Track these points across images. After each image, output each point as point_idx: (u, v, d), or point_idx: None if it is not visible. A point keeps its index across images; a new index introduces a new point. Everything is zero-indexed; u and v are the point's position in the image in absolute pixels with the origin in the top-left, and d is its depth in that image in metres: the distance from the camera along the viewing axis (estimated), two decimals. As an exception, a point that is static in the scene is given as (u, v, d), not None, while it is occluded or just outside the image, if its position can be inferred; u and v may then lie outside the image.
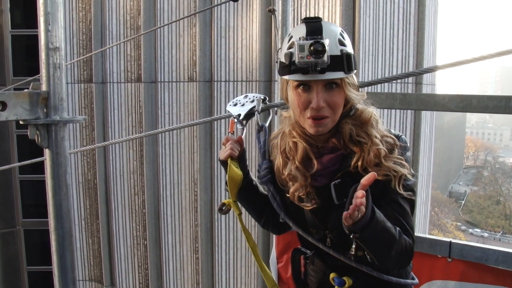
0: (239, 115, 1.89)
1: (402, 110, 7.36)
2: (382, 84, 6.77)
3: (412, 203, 1.54)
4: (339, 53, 1.44)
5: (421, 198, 8.05)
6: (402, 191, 1.49)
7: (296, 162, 1.59)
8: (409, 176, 1.51)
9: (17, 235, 11.71)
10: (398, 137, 1.56)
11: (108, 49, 8.40)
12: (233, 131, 1.89)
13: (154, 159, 8.46)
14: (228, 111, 1.98)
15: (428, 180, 8.69)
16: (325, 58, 1.40)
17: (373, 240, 1.40)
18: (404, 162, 1.51)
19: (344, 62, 1.43)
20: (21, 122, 1.39)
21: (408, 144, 1.58)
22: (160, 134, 8.18)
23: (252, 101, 1.90)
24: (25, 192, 11.60)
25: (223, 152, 1.81)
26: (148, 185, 8.54)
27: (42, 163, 9.86)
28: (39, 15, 1.40)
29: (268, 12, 2.65)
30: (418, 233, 2.78)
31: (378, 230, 1.38)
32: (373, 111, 1.57)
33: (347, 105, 1.55)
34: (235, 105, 1.96)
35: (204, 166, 8.03)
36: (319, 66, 1.41)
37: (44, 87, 1.41)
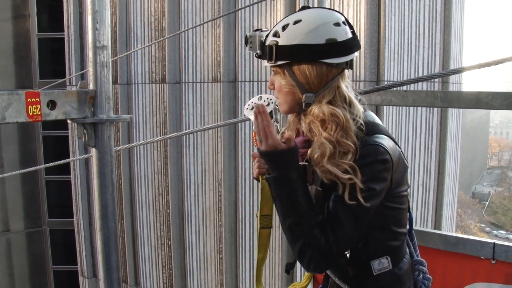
0: None
1: (429, 109, 7.26)
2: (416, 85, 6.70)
3: (356, 215, 1.47)
4: (268, 44, 1.59)
5: (447, 199, 7.92)
6: (347, 199, 1.44)
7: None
8: (360, 186, 1.43)
9: (43, 235, 11.89)
10: (371, 145, 1.49)
11: (133, 52, 8.46)
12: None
13: (178, 159, 8.49)
14: (245, 115, 2.01)
15: (455, 180, 8.55)
16: (254, 48, 1.66)
17: (274, 195, 1.53)
18: (353, 169, 1.43)
19: (267, 52, 1.58)
20: (69, 122, 1.39)
21: (388, 157, 1.48)
22: (184, 135, 8.21)
23: (268, 105, 1.93)
24: (50, 192, 11.77)
25: (254, 169, 1.81)
26: (172, 186, 8.57)
27: (67, 164, 10.02)
28: (86, 13, 1.40)
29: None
30: (448, 232, 2.72)
31: (281, 188, 1.50)
32: (328, 111, 1.52)
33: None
34: (252, 108, 1.98)
35: (228, 166, 8.03)
36: (256, 54, 1.66)
37: (91, 86, 1.41)
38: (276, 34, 1.59)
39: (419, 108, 7.20)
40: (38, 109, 1.26)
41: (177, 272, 8.80)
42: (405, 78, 7.17)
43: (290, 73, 1.58)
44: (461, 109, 9.11)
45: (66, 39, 9.56)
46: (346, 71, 1.62)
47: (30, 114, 1.24)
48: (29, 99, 1.23)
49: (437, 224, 7.66)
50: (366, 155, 1.47)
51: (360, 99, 1.67)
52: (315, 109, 1.55)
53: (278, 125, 1.95)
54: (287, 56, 1.57)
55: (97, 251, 1.51)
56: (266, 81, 7.70)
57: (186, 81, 8.26)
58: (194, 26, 7.88)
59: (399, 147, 1.60)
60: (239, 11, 7.65)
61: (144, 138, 8.65)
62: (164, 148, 8.59)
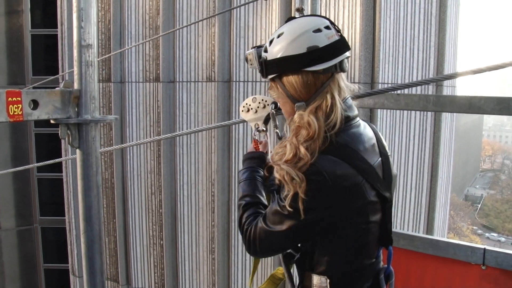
0: (263, 129, 2.09)
1: (423, 112, 7.26)
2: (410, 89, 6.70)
3: (281, 218, 1.55)
4: (260, 60, 1.69)
5: (440, 201, 7.92)
6: (279, 199, 1.56)
7: None
8: (301, 196, 1.48)
9: (34, 233, 11.81)
10: (311, 163, 1.50)
11: (127, 49, 8.41)
12: (259, 148, 2.03)
13: (171, 159, 8.45)
14: (241, 117, 2.08)
15: (448, 183, 8.56)
16: (254, 65, 1.79)
17: (241, 179, 1.88)
18: (301, 179, 1.48)
19: (260, 68, 1.69)
20: (52, 122, 1.36)
21: (320, 178, 1.49)
22: (178, 136, 8.18)
23: (264, 107, 2.02)
24: (42, 190, 11.70)
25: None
26: (165, 185, 8.53)
27: (59, 162, 9.95)
28: (72, 11, 1.36)
29: (297, 12, 2.61)
30: (438, 237, 2.71)
31: (248, 174, 1.87)
32: (305, 119, 1.55)
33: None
34: (248, 111, 2.08)
35: (221, 166, 8.00)
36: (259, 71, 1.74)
37: (76, 85, 1.38)
38: (266, 50, 1.66)
39: (412, 111, 7.21)
40: (19, 109, 1.22)
41: (169, 272, 8.76)
42: (399, 81, 7.16)
43: (281, 86, 1.64)
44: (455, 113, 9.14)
45: (59, 35, 9.48)
46: (338, 74, 1.61)
47: (11, 113, 1.21)
48: (9, 99, 1.20)
49: (429, 227, 7.66)
50: (307, 171, 1.49)
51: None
52: (295, 116, 1.59)
53: (278, 130, 1.97)
54: (274, 70, 1.63)
55: (82, 254, 1.48)
56: (260, 81, 7.68)
57: (180, 80, 8.22)
58: (188, 24, 7.84)
59: (367, 179, 1.56)
60: (234, 10, 7.62)
61: (137, 137, 8.60)
62: (157, 147, 8.55)
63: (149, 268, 9.04)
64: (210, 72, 8.01)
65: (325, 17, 1.65)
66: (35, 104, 1.28)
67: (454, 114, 8.97)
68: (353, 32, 6.87)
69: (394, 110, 7.07)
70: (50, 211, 11.77)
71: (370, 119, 6.89)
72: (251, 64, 1.78)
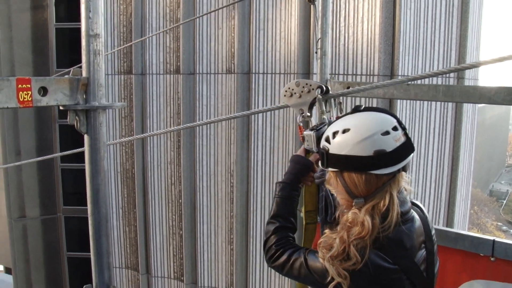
0: (308, 115, 2.00)
1: (443, 105, 7.16)
2: (423, 79, 6.61)
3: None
4: (320, 150, 1.68)
5: (461, 195, 7.83)
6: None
7: None
8: None
9: (58, 222, 12.05)
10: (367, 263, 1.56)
11: (147, 41, 8.51)
12: (304, 137, 1.95)
13: (191, 150, 8.54)
14: (283, 102, 1.98)
15: (469, 177, 8.45)
16: (311, 146, 1.83)
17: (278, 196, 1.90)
18: (345, 277, 1.54)
19: (320, 157, 1.67)
20: (61, 108, 1.41)
21: (367, 269, 1.54)
22: (197, 126, 8.25)
23: (309, 92, 1.92)
24: (66, 180, 11.91)
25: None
26: (184, 176, 8.63)
27: (81, 152, 10.08)
28: (81, 2, 1.41)
29: (308, 2, 2.61)
30: (447, 228, 2.69)
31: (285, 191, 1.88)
32: (361, 219, 1.55)
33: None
34: (291, 95, 1.98)
35: (240, 157, 8.05)
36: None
37: (84, 73, 1.43)
38: (327, 140, 1.62)
39: (433, 103, 7.11)
40: (29, 95, 1.28)
41: (188, 261, 8.88)
42: (419, 73, 7.07)
43: (341, 180, 1.61)
44: (477, 105, 8.98)
45: (81, 23, 9.61)
46: (399, 174, 1.60)
47: (21, 100, 1.26)
48: (20, 85, 1.25)
49: (450, 221, 7.59)
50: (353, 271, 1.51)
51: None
52: (350, 214, 1.58)
53: (325, 117, 1.93)
54: (336, 165, 1.60)
55: (89, 236, 1.53)
56: (279, 73, 7.68)
57: (200, 72, 8.28)
58: (208, 12, 7.86)
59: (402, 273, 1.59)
60: (254, 3, 7.62)
61: (158, 129, 8.70)
62: (177, 138, 8.64)
63: (169, 257, 9.17)
64: (229, 64, 8.04)
65: (392, 115, 1.63)
66: (44, 91, 1.33)
67: (476, 106, 8.83)
68: (372, 24, 6.81)
69: (414, 102, 7.00)
70: (73, 201, 11.99)
71: (390, 110, 6.82)
72: (307, 145, 1.78)
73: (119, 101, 9.07)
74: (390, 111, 1.65)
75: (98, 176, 1.47)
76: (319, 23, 2.82)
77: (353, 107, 1.70)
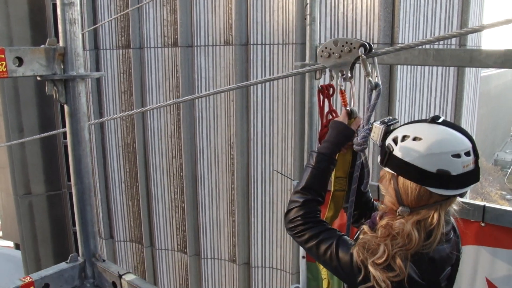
0: (349, 77, 1.84)
1: (444, 73, 7.08)
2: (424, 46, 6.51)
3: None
4: (385, 147, 1.64)
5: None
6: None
7: None
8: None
9: (63, 198, 12.19)
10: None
11: (144, 15, 8.41)
12: (347, 103, 1.85)
13: (191, 123, 8.53)
14: (322, 64, 1.84)
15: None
16: (376, 140, 1.70)
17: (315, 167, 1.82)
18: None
19: (381, 153, 1.64)
20: (38, 78, 1.40)
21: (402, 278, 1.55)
22: (196, 98, 8.22)
23: (350, 51, 1.76)
24: (68, 156, 12.01)
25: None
26: (185, 149, 8.65)
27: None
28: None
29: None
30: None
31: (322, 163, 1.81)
32: (407, 231, 1.53)
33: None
34: (329, 56, 1.82)
35: (240, 129, 8.04)
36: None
37: (60, 43, 1.41)
38: (395, 140, 1.57)
39: (434, 70, 7.03)
40: (3, 66, 1.27)
41: (190, 234, 8.98)
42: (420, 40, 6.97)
43: (395, 184, 1.58)
44: (479, 73, 8.87)
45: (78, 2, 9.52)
46: (454, 198, 1.57)
47: (-5, 70, 1.25)
48: (-7, 56, 1.24)
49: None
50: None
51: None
52: (398, 222, 1.55)
53: (371, 78, 1.73)
54: (395, 168, 1.56)
55: (74, 206, 1.53)
56: (278, 44, 7.60)
57: (198, 44, 8.20)
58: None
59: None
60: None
61: (157, 102, 8.68)
62: (177, 112, 8.62)
63: (172, 230, 9.28)
64: (227, 36, 7.96)
65: (470, 137, 1.54)
66: (20, 61, 1.32)
67: (479, 75, 8.73)
68: (371, -9, 6.69)
69: (415, 70, 6.92)
70: (77, 176, 12.09)
71: (390, 78, 6.76)
72: (372, 136, 1.68)
73: (118, 76, 9.03)
74: (468, 132, 1.57)
75: (80, 147, 1.46)
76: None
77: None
